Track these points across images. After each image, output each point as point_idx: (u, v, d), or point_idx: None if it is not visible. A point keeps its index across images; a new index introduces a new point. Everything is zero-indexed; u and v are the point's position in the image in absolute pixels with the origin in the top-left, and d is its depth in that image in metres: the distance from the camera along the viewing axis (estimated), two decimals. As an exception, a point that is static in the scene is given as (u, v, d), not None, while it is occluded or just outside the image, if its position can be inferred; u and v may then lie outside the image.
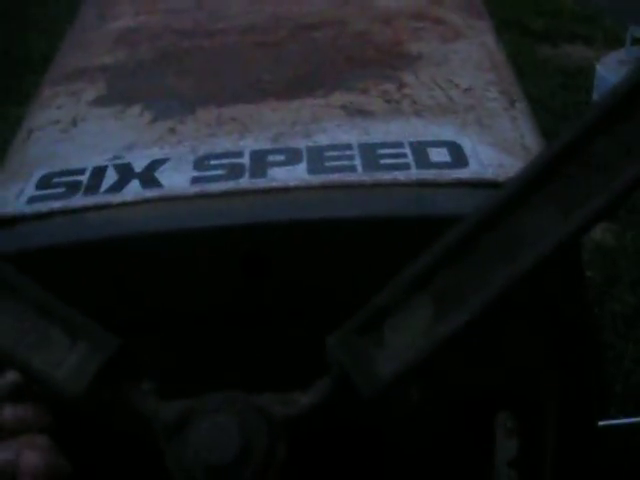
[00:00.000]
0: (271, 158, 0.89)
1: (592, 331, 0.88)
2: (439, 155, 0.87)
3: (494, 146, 0.90)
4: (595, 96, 3.68)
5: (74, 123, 1.03)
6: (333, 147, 0.89)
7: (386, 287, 0.46)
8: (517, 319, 0.82)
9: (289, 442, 0.48)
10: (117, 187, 0.87)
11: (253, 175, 0.86)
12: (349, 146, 0.89)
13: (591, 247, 3.23)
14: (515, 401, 0.90)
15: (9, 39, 4.77)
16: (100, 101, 1.07)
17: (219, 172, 0.88)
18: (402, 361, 0.45)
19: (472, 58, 1.11)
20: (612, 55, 3.75)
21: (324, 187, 0.83)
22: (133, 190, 0.87)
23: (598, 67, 3.68)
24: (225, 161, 0.89)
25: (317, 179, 0.84)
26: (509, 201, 0.43)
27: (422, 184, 0.83)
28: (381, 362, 0.46)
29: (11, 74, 4.44)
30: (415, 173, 0.84)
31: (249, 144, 0.92)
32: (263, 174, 0.86)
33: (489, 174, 0.84)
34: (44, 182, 0.91)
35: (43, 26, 4.85)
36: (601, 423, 1.31)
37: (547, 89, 4.16)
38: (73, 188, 0.88)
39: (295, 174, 0.86)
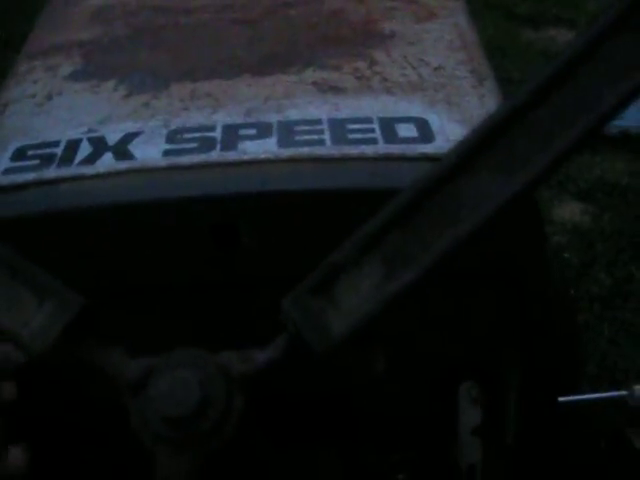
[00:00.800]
0: (243, 132, 0.91)
1: (555, 306, 0.91)
2: (407, 130, 0.90)
3: (461, 122, 0.92)
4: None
5: (49, 97, 1.05)
6: (303, 122, 0.91)
7: (337, 249, 0.48)
8: (480, 291, 0.85)
9: (247, 396, 0.50)
10: (91, 159, 0.89)
11: (224, 148, 0.88)
12: (319, 121, 0.91)
13: (568, 229, 3.26)
14: (479, 372, 0.93)
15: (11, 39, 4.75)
16: (75, 76, 1.09)
17: (191, 145, 0.90)
18: (353, 318, 0.48)
19: (444, 38, 1.13)
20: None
21: (293, 160, 0.85)
22: (106, 162, 0.88)
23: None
24: (197, 134, 0.91)
25: (286, 152, 0.86)
26: (450, 167, 0.45)
27: (388, 158, 0.85)
28: (333, 320, 0.48)
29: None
30: (382, 147, 0.87)
31: (222, 118, 0.94)
32: (234, 147, 0.88)
33: None
34: (19, 154, 0.92)
35: (25, 6, 4.82)
36: (566, 398, 1.35)
37: (530, 71, 4.17)
38: (47, 160, 0.90)
39: (265, 147, 0.88)
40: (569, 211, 3.35)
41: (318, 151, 0.86)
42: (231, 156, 0.87)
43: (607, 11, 0.45)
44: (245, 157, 0.86)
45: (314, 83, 1.00)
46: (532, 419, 0.94)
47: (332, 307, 0.48)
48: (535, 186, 0.44)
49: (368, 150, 0.86)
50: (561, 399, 1.30)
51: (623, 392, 1.58)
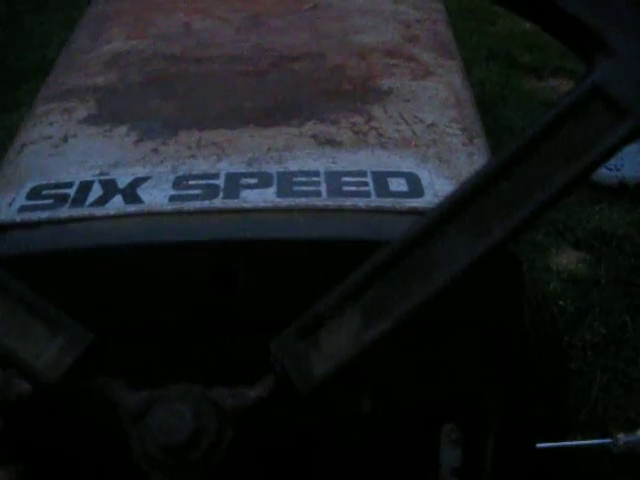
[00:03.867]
0: (244, 181, 0.97)
1: (536, 354, 0.96)
2: (398, 185, 0.95)
3: (450, 179, 0.98)
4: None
5: (65, 139, 1.11)
6: (301, 173, 0.97)
7: (322, 298, 0.54)
8: (461, 339, 0.90)
9: (237, 429, 0.56)
10: (101, 201, 0.95)
11: (227, 196, 0.94)
12: (316, 173, 0.97)
13: (565, 277, 3.30)
14: (460, 414, 0.98)
15: (3, 48, 4.85)
16: (90, 120, 1.15)
17: (196, 192, 0.96)
18: (333, 362, 0.53)
19: (438, 95, 1.19)
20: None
21: (290, 209, 0.91)
22: (116, 204, 0.94)
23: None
24: (202, 182, 0.97)
25: (285, 202, 0.92)
26: (426, 228, 0.51)
27: (379, 211, 0.91)
28: (316, 362, 0.53)
29: (4, 83, 4.51)
30: (374, 200, 0.92)
31: (225, 167, 1.00)
32: (236, 195, 0.94)
33: None
34: (34, 193, 0.98)
35: (37, 36, 4.93)
36: (546, 445, 1.39)
37: (531, 120, 4.24)
38: (61, 200, 0.96)
39: (265, 196, 0.94)
40: (566, 259, 3.39)
41: (314, 202, 0.92)
42: (233, 204, 0.93)
43: (565, 96, 0.51)
44: (245, 205, 0.92)
45: (313, 136, 1.06)
46: (509, 463, 0.99)
47: (315, 351, 0.54)
48: (498, 249, 0.50)
49: (361, 202, 0.92)
50: (541, 445, 1.34)
51: (607, 440, 1.62)
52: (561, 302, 3.13)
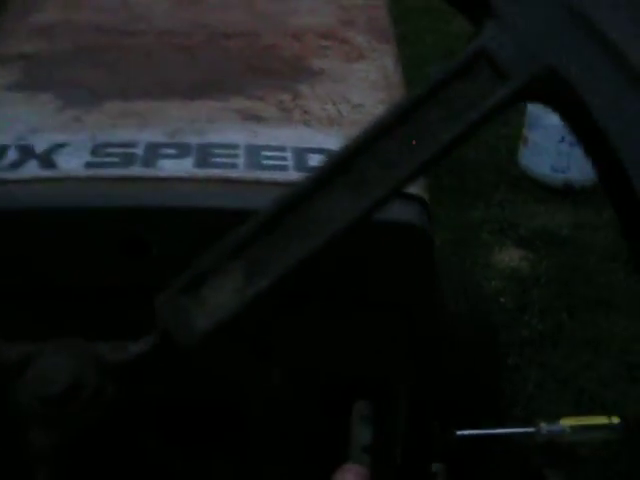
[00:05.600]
0: (163, 151, 0.96)
1: (444, 334, 0.97)
2: (317, 161, 0.96)
3: None
4: (525, 130, 3.79)
5: None
6: (221, 145, 0.97)
7: (205, 254, 0.54)
8: (370, 316, 0.91)
9: (120, 384, 0.55)
10: (16, 165, 0.94)
11: (144, 164, 0.94)
12: (236, 146, 0.97)
13: (507, 274, 3.34)
14: (371, 392, 0.98)
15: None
16: (14, 86, 1.13)
17: (113, 159, 0.95)
18: (215, 317, 0.53)
19: (369, 78, 1.20)
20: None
21: (206, 180, 0.91)
22: (30, 169, 0.93)
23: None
24: (120, 150, 0.96)
25: (201, 172, 0.92)
26: (308, 186, 0.51)
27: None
28: (198, 318, 0.53)
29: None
30: (291, 174, 0.93)
31: (146, 137, 0.99)
32: (153, 164, 0.94)
33: None
34: None
35: None
36: (466, 432, 1.41)
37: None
38: None
39: (182, 166, 0.93)
40: (508, 257, 3.44)
41: (230, 173, 0.92)
42: (149, 172, 0.92)
43: (449, 64, 0.52)
44: (160, 174, 0.92)
45: (237, 111, 1.05)
46: (419, 444, 1.00)
47: (197, 306, 0.53)
48: (378, 207, 0.50)
49: (277, 176, 0.92)
50: (460, 432, 1.36)
51: (530, 429, 1.65)
52: (502, 299, 3.17)
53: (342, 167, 0.51)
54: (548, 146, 3.54)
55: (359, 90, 1.16)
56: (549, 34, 0.48)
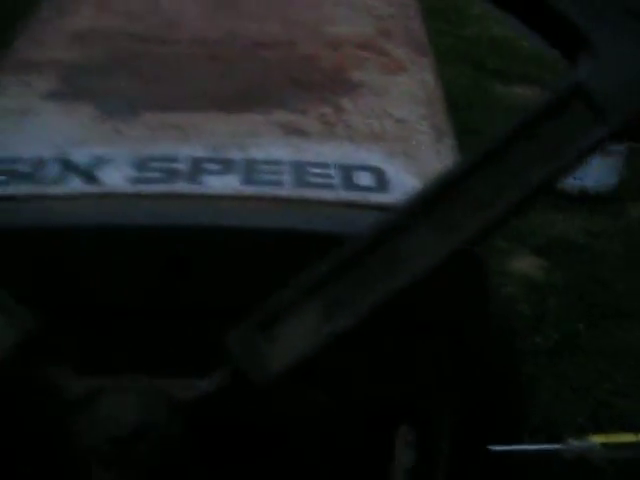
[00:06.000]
0: (207, 166, 0.94)
1: (494, 359, 0.95)
2: (363, 179, 0.94)
3: (417, 175, 0.96)
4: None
5: (24, 113, 1.07)
6: (266, 161, 0.95)
7: (281, 291, 0.52)
8: (419, 340, 0.89)
9: (187, 422, 0.53)
10: (58, 180, 0.92)
11: (188, 180, 0.91)
12: (281, 162, 0.95)
13: (523, 282, 3.32)
14: (415, 416, 0.97)
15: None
16: (51, 95, 1.11)
17: (157, 174, 0.93)
18: (290, 357, 0.51)
19: (410, 92, 1.17)
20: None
21: (253, 198, 0.89)
22: (73, 184, 0.91)
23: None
24: (163, 165, 0.94)
25: (248, 190, 0.90)
26: (392, 225, 0.49)
27: (343, 204, 0.89)
28: (273, 357, 0.51)
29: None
30: (339, 194, 0.91)
31: (188, 151, 0.97)
32: (198, 180, 0.92)
33: None
34: None
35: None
36: (500, 448, 1.39)
37: (496, 124, 4.27)
38: (16, 176, 0.93)
39: (228, 183, 0.91)
40: (525, 265, 3.42)
41: (277, 192, 0.90)
42: (195, 189, 0.90)
43: (546, 94, 0.49)
44: (208, 191, 0.90)
45: (280, 125, 1.03)
46: (462, 465, 0.98)
47: (272, 345, 0.51)
48: (468, 247, 0.48)
49: (325, 195, 0.90)
50: (495, 448, 1.34)
51: (559, 445, 1.62)
52: (518, 307, 3.15)
53: (428, 206, 0.49)
54: (565, 153, 3.52)
55: (401, 104, 1.14)
56: None
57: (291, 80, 1.16)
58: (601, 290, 3.24)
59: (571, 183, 3.62)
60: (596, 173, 3.46)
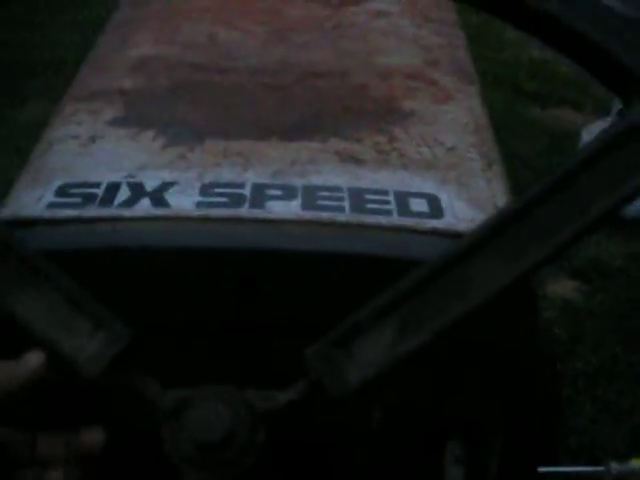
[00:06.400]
0: (269, 192, 0.99)
1: (541, 379, 0.99)
2: (419, 205, 0.98)
3: (469, 202, 1.01)
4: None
5: (92, 140, 1.13)
6: (325, 188, 1.00)
7: (360, 310, 0.56)
8: (473, 360, 0.93)
9: (268, 432, 0.58)
10: (129, 202, 0.98)
11: (252, 205, 0.97)
12: (340, 189, 1.00)
13: (560, 305, 3.33)
14: (466, 432, 1.00)
15: (14, 43, 4.87)
16: (117, 122, 1.17)
17: (222, 199, 0.98)
18: (367, 372, 0.55)
19: (458, 120, 1.22)
20: (598, 123, 3.89)
21: (314, 223, 0.94)
22: (143, 207, 0.97)
23: (583, 133, 3.82)
24: (228, 190, 0.99)
25: (309, 215, 0.95)
26: (464, 250, 0.54)
27: (401, 229, 0.93)
28: (349, 371, 0.56)
29: (11, 77, 4.54)
30: (396, 219, 0.95)
31: (251, 177, 1.02)
32: (261, 205, 0.97)
33: (461, 227, 0.95)
34: (62, 191, 1.01)
35: (48, 32, 4.96)
36: (546, 469, 1.41)
37: (534, 149, 4.30)
38: (89, 199, 0.98)
39: (290, 208, 0.96)
40: (562, 288, 3.42)
41: (337, 217, 0.95)
42: (259, 214, 0.95)
43: (604, 133, 0.54)
44: (271, 216, 0.95)
45: (336, 152, 1.08)
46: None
47: (350, 360, 0.56)
48: (533, 272, 0.53)
49: (383, 220, 0.95)
50: (541, 469, 1.37)
51: (600, 468, 1.64)
52: (556, 330, 3.16)
53: (498, 231, 0.53)
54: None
55: (450, 132, 1.18)
56: None
57: (344, 109, 1.21)
58: (639, 314, 3.23)
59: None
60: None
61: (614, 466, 1.61)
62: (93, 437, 0.60)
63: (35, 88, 4.27)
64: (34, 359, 0.61)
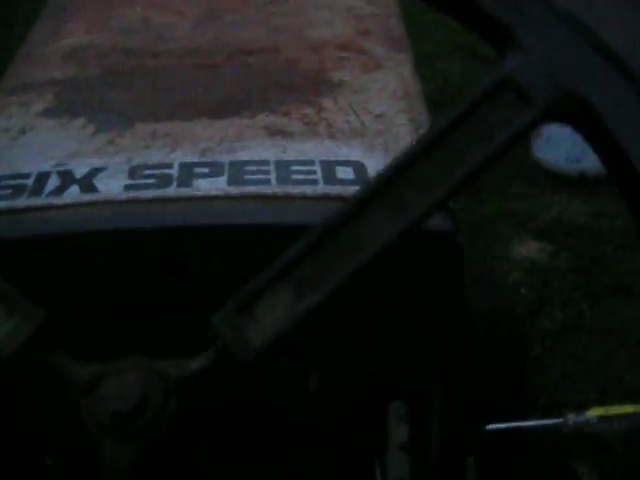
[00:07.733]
0: (197, 170, 1.00)
1: (470, 331, 1.01)
2: (345, 173, 1.00)
3: None
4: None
5: (23, 132, 1.14)
6: (252, 162, 1.01)
7: (257, 276, 0.58)
8: (403, 321, 0.95)
9: (182, 398, 0.60)
10: (58, 191, 0.98)
11: (180, 184, 0.98)
12: (267, 162, 1.01)
13: (526, 266, 3.37)
14: (407, 392, 1.02)
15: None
16: (47, 113, 1.18)
17: (150, 181, 0.99)
18: (269, 334, 0.57)
19: (388, 87, 1.23)
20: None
21: (241, 197, 0.95)
22: (72, 194, 0.98)
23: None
24: (156, 171, 1.01)
25: (235, 190, 0.96)
26: (351, 209, 0.55)
27: (326, 198, 0.95)
28: (254, 334, 0.58)
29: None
30: (321, 188, 0.97)
31: (178, 157, 1.04)
32: (189, 184, 0.98)
33: None
34: None
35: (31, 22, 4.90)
36: (494, 426, 1.44)
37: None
38: (19, 190, 0.99)
39: (216, 185, 0.97)
40: (527, 249, 3.46)
41: (263, 189, 0.96)
42: (185, 192, 0.96)
43: (478, 84, 0.55)
44: (198, 193, 0.96)
45: (265, 127, 1.10)
46: (455, 441, 1.04)
47: (252, 324, 0.58)
48: (417, 224, 0.55)
49: (308, 190, 0.96)
50: (489, 426, 1.39)
51: (557, 420, 1.67)
52: (522, 290, 3.19)
53: (381, 190, 0.55)
54: (562, 137, 3.56)
55: (379, 100, 1.19)
56: (569, 62, 0.53)
57: (274, 84, 1.22)
58: (604, 270, 3.28)
59: (570, 166, 3.65)
60: (595, 155, 3.49)
61: (571, 417, 1.64)
62: None
63: None
64: None
